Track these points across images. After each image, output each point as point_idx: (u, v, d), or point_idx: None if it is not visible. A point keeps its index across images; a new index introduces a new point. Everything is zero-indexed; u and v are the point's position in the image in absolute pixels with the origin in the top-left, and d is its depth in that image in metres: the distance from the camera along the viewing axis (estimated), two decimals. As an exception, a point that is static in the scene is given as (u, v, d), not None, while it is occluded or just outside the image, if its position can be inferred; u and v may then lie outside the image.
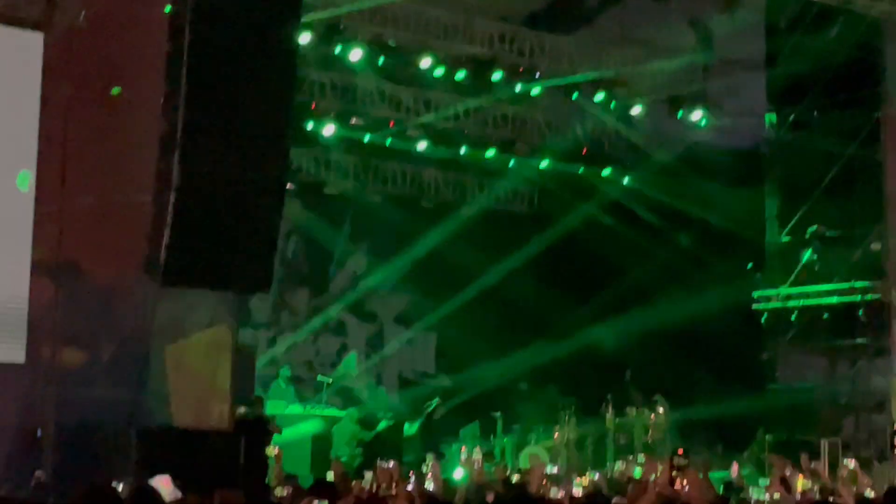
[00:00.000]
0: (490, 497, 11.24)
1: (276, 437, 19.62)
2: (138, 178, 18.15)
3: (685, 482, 6.39)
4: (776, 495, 13.16)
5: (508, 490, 12.72)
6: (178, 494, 7.81)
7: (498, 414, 25.69)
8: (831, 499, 12.45)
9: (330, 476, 15.00)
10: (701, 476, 7.78)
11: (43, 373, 17.74)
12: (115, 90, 18.36)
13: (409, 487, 13.10)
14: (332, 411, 25.67)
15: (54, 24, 18.50)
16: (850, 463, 17.29)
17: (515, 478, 15.79)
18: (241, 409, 18.42)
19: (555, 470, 14.26)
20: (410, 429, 24.98)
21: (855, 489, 14.44)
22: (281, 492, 12.21)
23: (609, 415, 25.60)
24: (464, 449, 17.16)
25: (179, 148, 17.79)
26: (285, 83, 19.66)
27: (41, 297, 17.95)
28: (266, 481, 14.28)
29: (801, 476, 14.62)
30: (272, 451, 14.08)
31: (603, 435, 25.27)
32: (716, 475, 17.57)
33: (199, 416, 18.54)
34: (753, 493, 14.12)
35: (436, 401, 24.37)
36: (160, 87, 17.95)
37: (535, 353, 26.38)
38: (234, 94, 18.28)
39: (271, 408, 22.12)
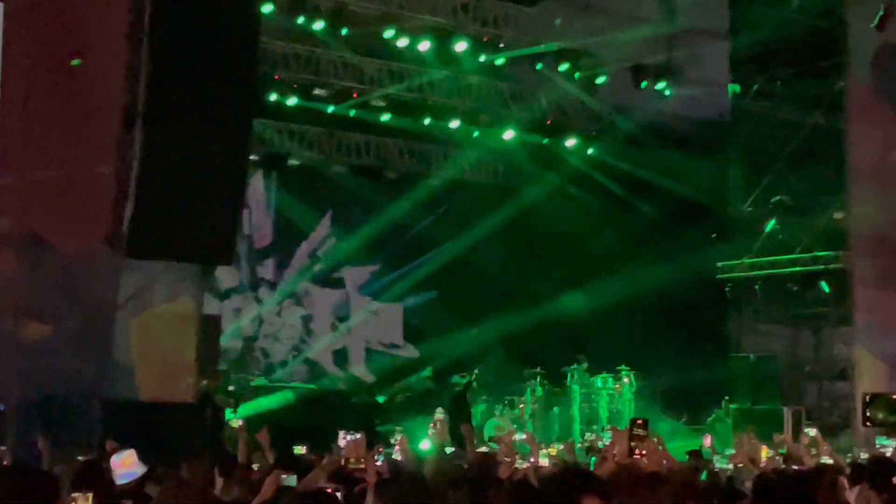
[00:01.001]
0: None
1: (240, 409, 19.66)
2: (101, 149, 18.04)
3: (643, 452, 6.40)
4: (740, 465, 13.20)
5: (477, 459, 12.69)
6: (142, 468, 7.78)
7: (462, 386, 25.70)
8: (794, 467, 12.50)
9: (298, 449, 14.95)
10: (660, 447, 7.80)
11: (5, 345, 17.63)
12: (76, 62, 18.20)
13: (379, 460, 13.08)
14: (296, 384, 25.68)
15: (14, -7, 18.31)
16: (811, 431, 17.36)
17: (483, 448, 15.79)
18: (205, 382, 18.38)
19: (523, 437, 14.24)
20: (379, 399, 25.01)
21: (816, 455, 14.49)
22: (261, 459, 12.15)
23: (574, 385, 25.71)
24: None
25: (142, 119, 17.71)
26: (248, 54, 19.57)
27: (3, 268, 17.83)
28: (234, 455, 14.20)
29: (764, 447, 14.65)
30: (236, 423, 13.98)
31: (568, 405, 25.36)
32: (679, 444, 17.65)
33: (163, 389, 18.50)
34: (718, 463, 14.16)
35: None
36: (122, 58, 17.84)
37: (500, 323, 26.40)
38: (197, 64, 18.18)
39: (235, 380, 22.11)
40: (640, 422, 6.74)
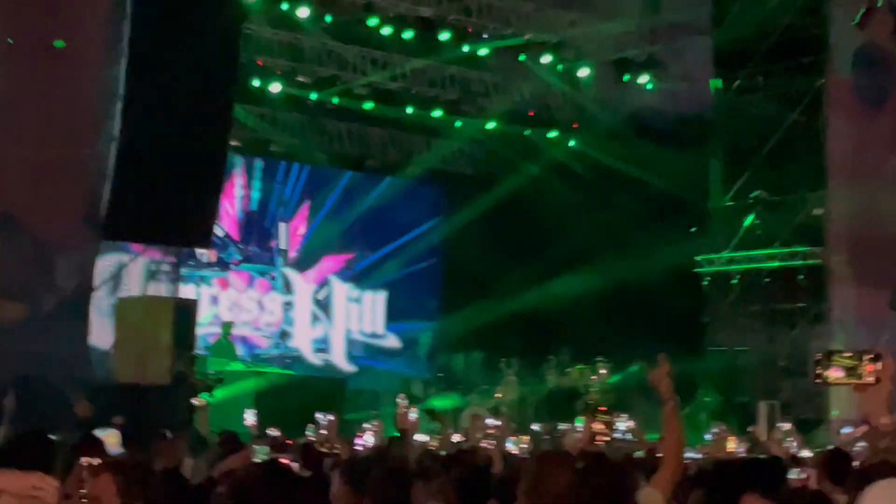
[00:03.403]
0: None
1: (217, 392, 19.69)
2: (79, 131, 18.07)
3: (605, 438, 6.49)
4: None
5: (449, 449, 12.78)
6: (120, 450, 7.85)
7: (440, 374, 25.84)
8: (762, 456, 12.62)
9: (272, 431, 15.02)
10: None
11: (-19, 327, 17.65)
12: (59, 43, 18.21)
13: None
14: (274, 369, 25.72)
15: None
16: (785, 425, 17.52)
17: (456, 437, 15.87)
18: (181, 364, 18.42)
19: (499, 423, 14.33)
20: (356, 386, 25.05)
21: (787, 449, 14.63)
22: (213, 439, 12.21)
23: (550, 376, 25.80)
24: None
25: (121, 102, 17.74)
26: (230, 39, 19.64)
27: (-21, 250, 17.84)
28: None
29: (732, 438, 14.80)
30: (199, 402, 14.07)
31: (544, 396, 25.44)
32: (654, 437, 17.73)
33: (140, 371, 18.56)
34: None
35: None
36: (102, 40, 17.85)
37: (478, 313, 26.45)
38: (178, 49, 18.22)
39: (213, 364, 22.12)
40: (602, 409, 6.80)
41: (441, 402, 23.99)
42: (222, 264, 27.07)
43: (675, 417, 6.12)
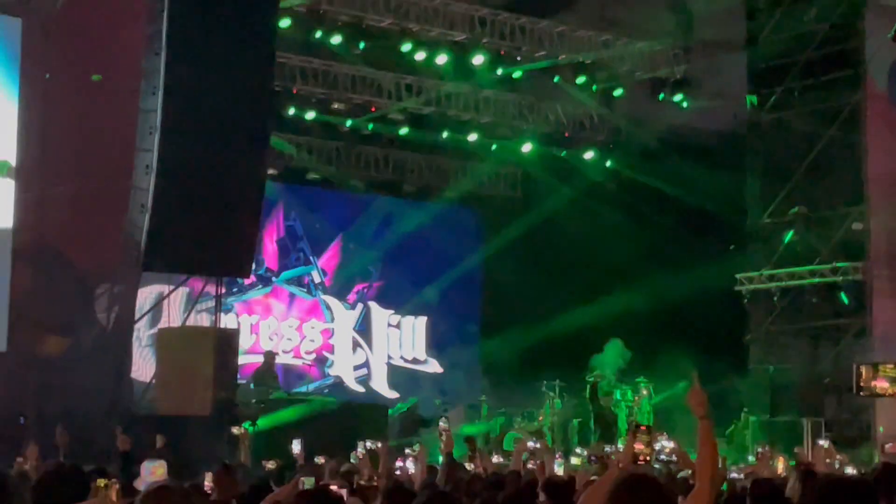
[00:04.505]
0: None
1: (259, 421, 19.67)
2: (117, 163, 18.16)
3: (647, 458, 6.43)
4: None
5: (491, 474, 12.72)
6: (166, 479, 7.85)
7: (483, 398, 25.74)
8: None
9: (318, 459, 15.00)
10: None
11: (24, 359, 17.73)
12: (96, 77, 18.35)
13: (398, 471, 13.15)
14: (316, 397, 25.67)
15: (32, 10, 18.45)
16: (825, 442, 17.35)
17: (496, 459, 15.82)
18: (222, 394, 18.44)
19: (538, 445, 14.26)
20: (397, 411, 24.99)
21: (830, 465, 14.50)
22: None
23: (593, 398, 25.68)
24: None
25: (159, 133, 17.81)
26: (265, 69, 19.71)
27: (21, 283, 17.94)
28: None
29: (781, 458, 14.65)
30: (238, 430, 14.05)
31: (588, 418, 25.33)
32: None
33: (182, 402, 18.59)
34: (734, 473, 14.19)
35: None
36: (138, 73, 17.94)
37: (518, 336, 26.38)
38: (214, 79, 18.31)
39: (255, 394, 22.11)
40: (643, 427, 6.74)
41: (474, 429, 23.89)
42: (264, 280, 27.06)
43: (708, 434, 6.11)
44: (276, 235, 27.48)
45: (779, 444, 20.01)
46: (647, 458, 6.58)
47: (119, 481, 5.68)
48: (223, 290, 22.03)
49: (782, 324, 25.57)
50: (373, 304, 28.92)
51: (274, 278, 27.37)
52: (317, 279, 28.21)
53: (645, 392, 25.06)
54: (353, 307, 28.66)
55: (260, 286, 26.97)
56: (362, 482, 10.44)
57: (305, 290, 28.02)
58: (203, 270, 20.22)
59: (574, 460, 13.24)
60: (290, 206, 27.69)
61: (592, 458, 13.83)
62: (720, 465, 8.42)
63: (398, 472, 13.33)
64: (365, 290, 28.87)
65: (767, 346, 25.81)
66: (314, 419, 21.78)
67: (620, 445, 19.62)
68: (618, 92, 27.15)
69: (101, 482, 3.82)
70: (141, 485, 8.66)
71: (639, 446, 6.64)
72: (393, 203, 28.74)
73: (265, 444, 18.01)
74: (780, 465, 13.86)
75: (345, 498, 7.17)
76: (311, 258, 28.11)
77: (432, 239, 28.59)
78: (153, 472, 8.58)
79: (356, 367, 28.52)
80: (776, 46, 25.20)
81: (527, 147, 28.26)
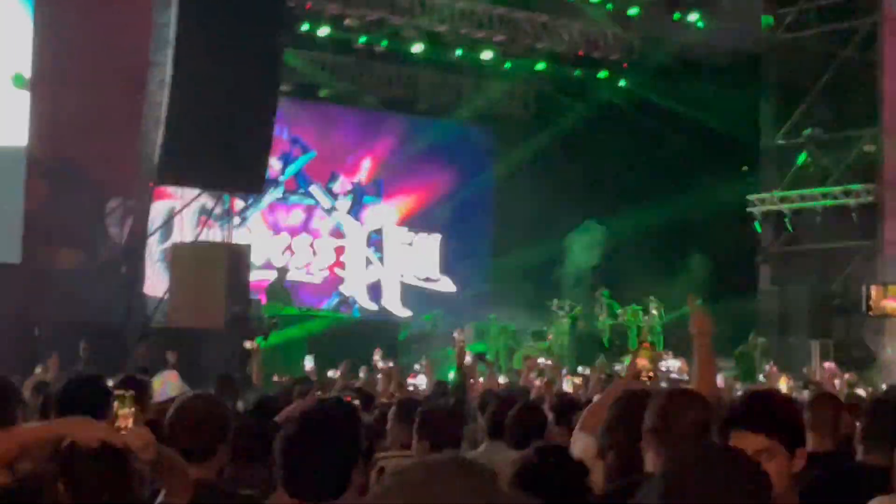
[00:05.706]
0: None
1: (271, 336, 19.82)
2: (131, 77, 18.15)
3: (651, 374, 6.46)
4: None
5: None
6: (187, 388, 7.89)
7: (493, 316, 25.85)
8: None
9: (332, 374, 15.15)
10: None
11: (39, 272, 17.83)
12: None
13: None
14: (328, 313, 25.82)
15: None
16: (829, 364, 17.49)
17: (502, 379, 15.94)
18: (235, 308, 18.55)
19: (548, 362, 14.38)
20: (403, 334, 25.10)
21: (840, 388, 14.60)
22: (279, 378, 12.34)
23: (602, 316, 25.82)
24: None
25: (173, 48, 17.80)
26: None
27: (36, 196, 18.00)
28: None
29: (784, 377, 14.78)
30: (251, 345, 14.16)
31: (597, 337, 25.48)
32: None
33: (194, 316, 18.71)
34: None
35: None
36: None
37: (530, 254, 26.46)
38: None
39: (267, 309, 22.24)
40: (646, 344, 6.79)
41: (483, 347, 24.00)
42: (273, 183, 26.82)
43: (705, 349, 6.09)
44: (288, 151, 27.45)
45: (787, 365, 20.14)
46: (651, 374, 6.62)
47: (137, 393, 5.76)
48: (235, 206, 22.11)
49: (793, 245, 25.61)
50: (386, 222, 28.96)
51: (280, 177, 27.18)
52: (331, 197, 28.19)
53: (654, 311, 25.19)
54: (366, 225, 28.69)
55: (271, 189, 26.59)
56: (384, 400, 10.55)
57: (319, 204, 28.00)
58: (215, 185, 20.28)
59: (576, 380, 13.33)
60: (303, 123, 27.64)
61: (602, 376, 13.95)
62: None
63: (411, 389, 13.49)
64: (378, 209, 28.87)
65: (778, 268, 25.86)
66: (325, 336, 21.96)
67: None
68: (633, 11, 26.96)
69: (122, 394, 3.91)
70: (159, 396, 8.76)
71: (642, 362, 6.68)
72: (406, 121, 28.68)
73: (276, 359, 18.18)
74: (784, 385, 13.97)
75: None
76: (323, 176, 28.12)
77: (445, 157, 28.56)
78: (163, 381, 8.63)
79: (369, 286, 28.61)
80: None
81: (540, 66, 28.12)
